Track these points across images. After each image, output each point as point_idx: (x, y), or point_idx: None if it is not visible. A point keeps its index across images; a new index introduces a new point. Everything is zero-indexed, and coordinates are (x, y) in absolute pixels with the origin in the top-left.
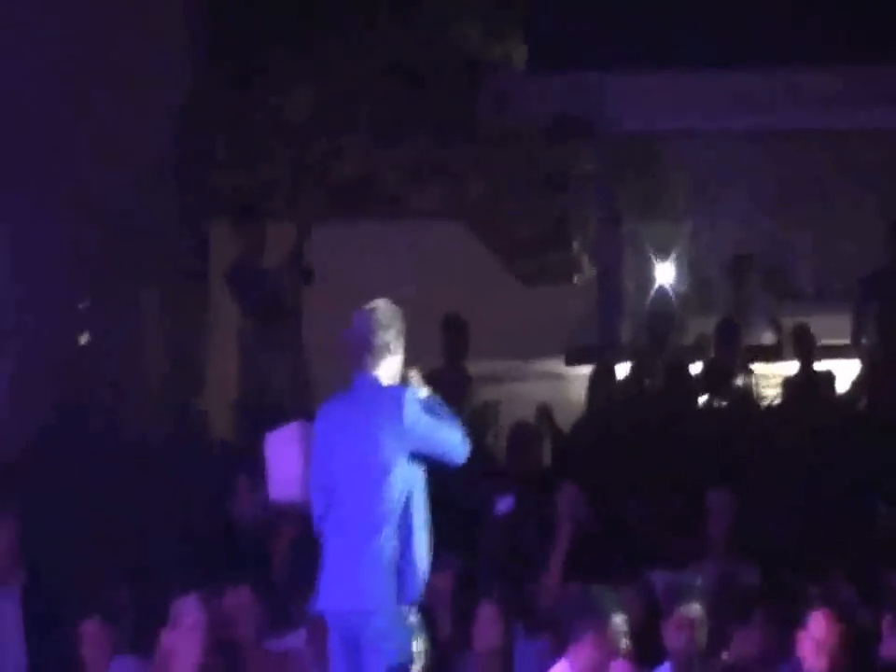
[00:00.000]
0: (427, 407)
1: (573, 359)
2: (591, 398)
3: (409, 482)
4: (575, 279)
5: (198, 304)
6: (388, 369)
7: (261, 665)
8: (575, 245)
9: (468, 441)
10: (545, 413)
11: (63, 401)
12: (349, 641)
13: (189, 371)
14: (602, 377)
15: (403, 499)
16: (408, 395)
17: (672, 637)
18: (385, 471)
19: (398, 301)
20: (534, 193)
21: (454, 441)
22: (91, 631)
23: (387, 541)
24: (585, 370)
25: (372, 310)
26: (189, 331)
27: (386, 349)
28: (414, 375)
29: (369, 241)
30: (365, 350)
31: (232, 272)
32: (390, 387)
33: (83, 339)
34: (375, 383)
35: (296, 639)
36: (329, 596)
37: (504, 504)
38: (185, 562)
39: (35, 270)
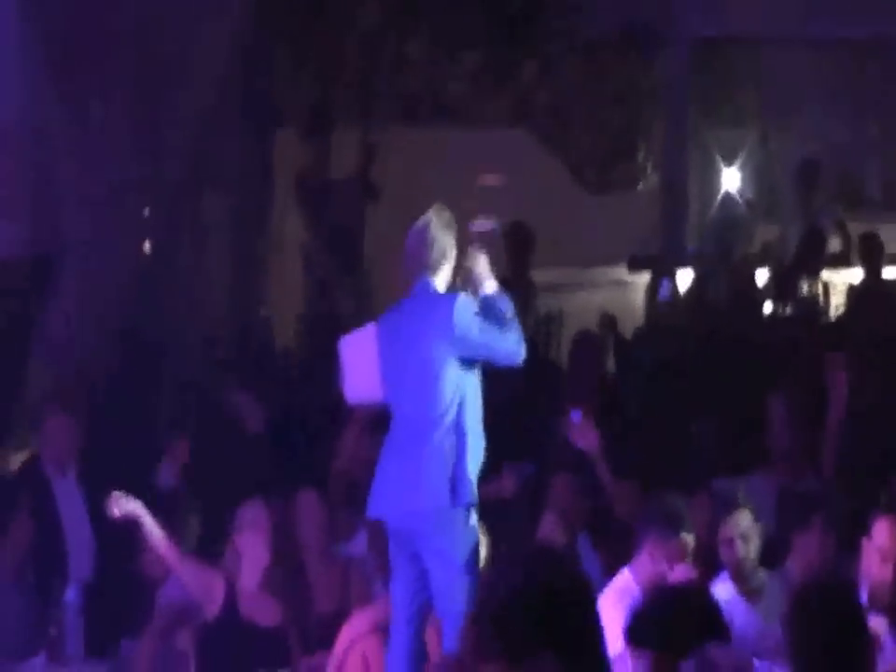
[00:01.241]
0: (487, 306)
1: (637, 267)
2: (648, 305)
3: (461, 387)
4: (640, 186)
5: (262, 214)
6: (445, 274)
7: (326, 570)
8: (640, 152)
9: (522, 343)
10: (608, 321)
11: (127, 312)
12: (408, 545)
13: (253, 280)
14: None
15: (456, 404)
16: (460, 302)
17: (723, 548)
18: (436, 377)
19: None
20: (599, 101)
21: (507, 347)
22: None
23: (439, 445)
24: (650, 277)
25: (424, 226)
26: (253, 241)
27: (441, 260)
28: (480, 260)
29: (434, 149)
30: (420, 265)
31: (300, 183)
32: (444, 295)
33: (148, 249)
34: (431, 290)
35: (357, 546)
36: (384, 501)
37: (576, 417)
38: (249, 467)
39: (100, 180)
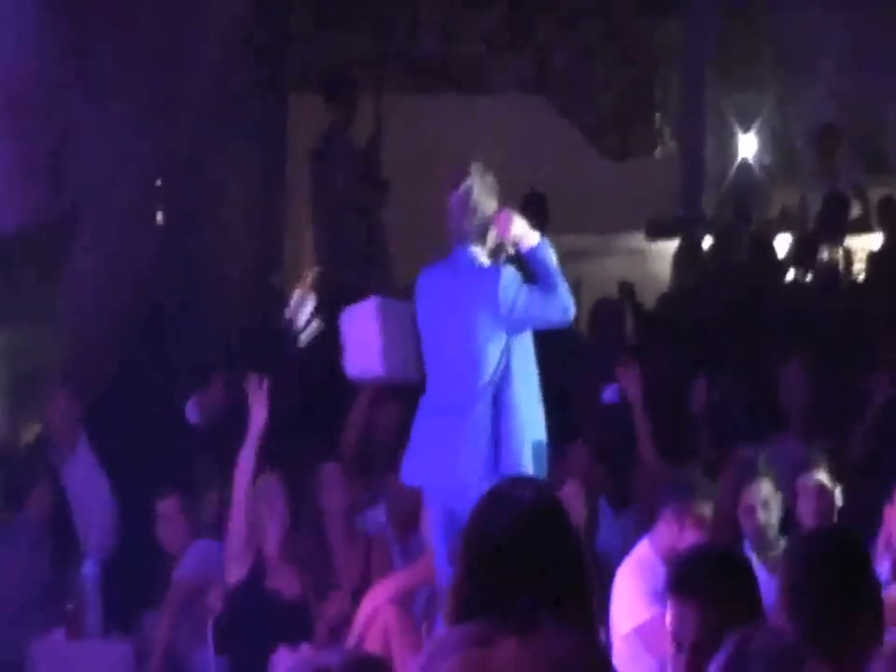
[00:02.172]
0: (530, 264)
1: (655, 233)
2: (675, 273)
3: (506, 360)
4: (657, 152)
5: (275, 178)
6: (485, 235)
7: (348, 543)
8: (658, 117)
9: (570, 300)
10: (627, 288)
11: (143, 278)
12: (450, 513)
13: (267, 246)
14: (686, 252)
15: (499, 377)
16: (505, 278)
17: (743, 517)
18: (480, 350)
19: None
20: (617, 66)
21: (554, 312)
22: (168, 511)
23: (481, 418)
24: (667, 244)
25: (466, 192)
26: (266, 205)
27: (484, 226)
28: (512, 220)
29: (450, 115)
30: (462, 232)
31: (315, 150)
32: (488, 269)
33: (161, 215)
34: (474, 261)
35: (375, 517)
36: (425, 471)
37: (610, 393)
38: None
39: (116, 146)
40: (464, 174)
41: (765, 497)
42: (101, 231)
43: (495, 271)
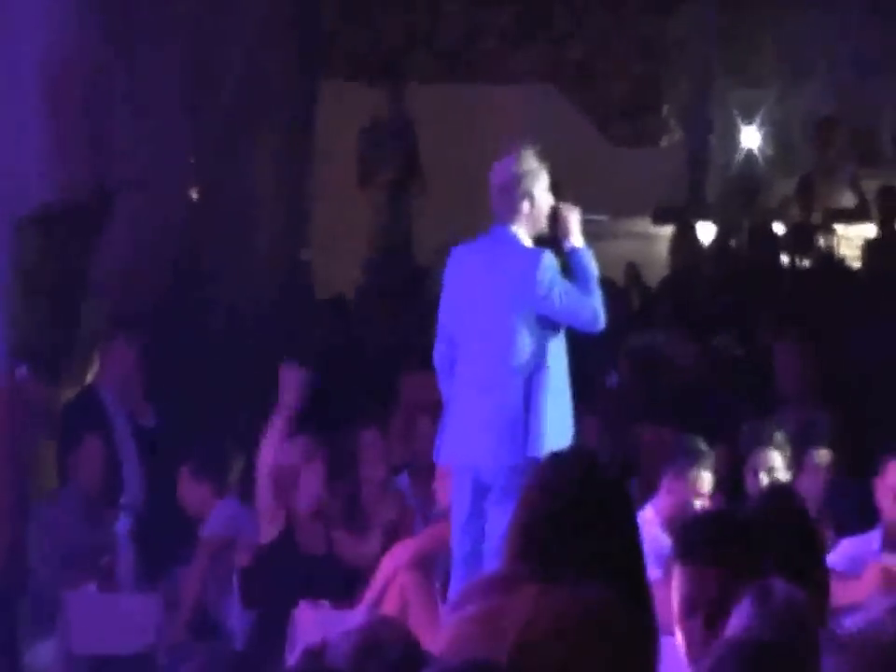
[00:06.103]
0: (572, 262)
1: (662, 218)
2: (671, 256)
3: (541, 344)
4: (664, 141)
5: (306, 159)
6: (530, 220)
7: (380, 503)
8: (665, 108)
9: (602, 311)
10: (633, 270)
11: (177, 253)
12: (478, 488)
13: (297, 222)
14: (682, 236)
15: (534, 360)
16: (545, 260)
17: (750, 483)
18: (513, 332)
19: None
20: (627, 58)
21: (587, 315)
22: (186, 477)
23: (514, 399)
24: (673, 229)
25: (513, 157)
26: (297, 186)
27: (524, 207)
28: (570, 216)
29: (467, 103)
30: (504, 200)
31: (362, 131)
32: (529, 250)
33: (195, 193)
34: (514, 240)
35: (400, 480)
36: (454, 449)
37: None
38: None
39: (151, 124)
40: (510, 154)
41: (772, 465)
42: (136, 206)
43: (537, 252)
